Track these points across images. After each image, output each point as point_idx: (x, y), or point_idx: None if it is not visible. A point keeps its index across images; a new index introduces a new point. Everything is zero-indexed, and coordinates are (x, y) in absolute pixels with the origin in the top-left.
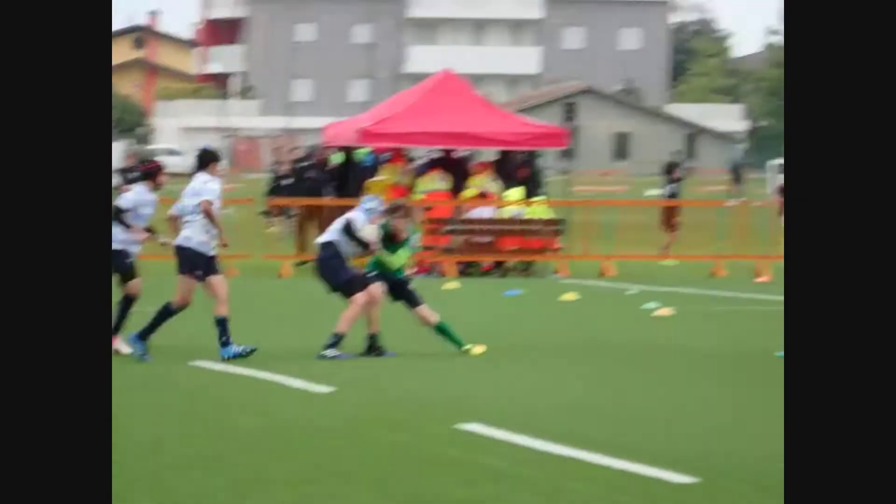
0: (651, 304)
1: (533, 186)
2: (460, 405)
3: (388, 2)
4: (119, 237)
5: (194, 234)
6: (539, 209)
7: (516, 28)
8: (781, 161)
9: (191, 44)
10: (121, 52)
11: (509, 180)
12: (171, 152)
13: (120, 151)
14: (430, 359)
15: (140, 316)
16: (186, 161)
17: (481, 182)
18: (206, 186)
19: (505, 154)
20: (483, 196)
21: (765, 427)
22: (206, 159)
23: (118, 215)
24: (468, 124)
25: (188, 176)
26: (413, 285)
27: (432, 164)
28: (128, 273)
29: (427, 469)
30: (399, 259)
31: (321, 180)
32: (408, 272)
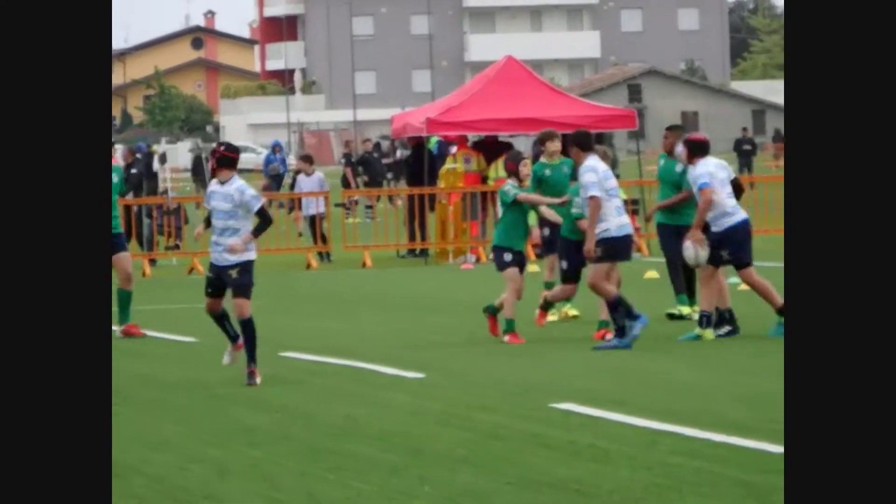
0: (734, 280)
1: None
2: (553, 386)
3: None
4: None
5: None
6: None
7: (573, 13)
8: None
9: (249, 42)
10: (181, 53)
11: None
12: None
13: (188, 150)
14: (515, 344)
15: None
16: (259, 157)
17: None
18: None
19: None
20: None
21: None
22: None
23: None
24: (535, 109)
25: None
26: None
27: (474, 148)
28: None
29: (526, 449)
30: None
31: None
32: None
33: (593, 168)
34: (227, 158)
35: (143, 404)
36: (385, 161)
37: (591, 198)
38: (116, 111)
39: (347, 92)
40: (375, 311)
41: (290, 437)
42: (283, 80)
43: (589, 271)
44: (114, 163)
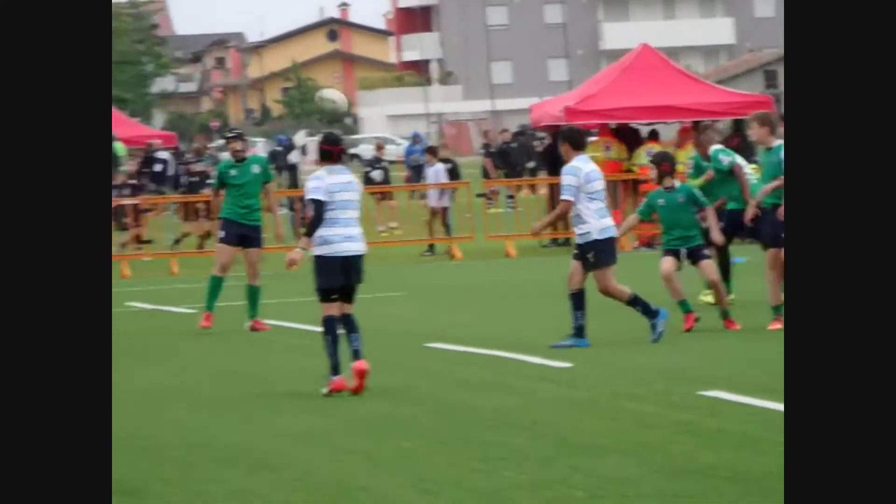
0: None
1: (746, 155)
2: (700, 374)
3: None
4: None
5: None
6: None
7: (706, 0)
8: None
9: (383, 33)
10: (316, 46)
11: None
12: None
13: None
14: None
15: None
16: (399, 149)
17: (687, 153)
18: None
19: (695, 124)
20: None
21: None
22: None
23: None
24: (671, 97)
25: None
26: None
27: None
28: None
29: (675, 437)
30: None
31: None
32: (634, 244)
33: (575, 170)
34: (324, 152)
35: (293, 398)
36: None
37: (563, 201)
38: (255, 104)
39: (484, 82)
40: (519, 301)
41: (439, 427)
42: (418, 71)
43: (595, 279)
44: (255, 153)
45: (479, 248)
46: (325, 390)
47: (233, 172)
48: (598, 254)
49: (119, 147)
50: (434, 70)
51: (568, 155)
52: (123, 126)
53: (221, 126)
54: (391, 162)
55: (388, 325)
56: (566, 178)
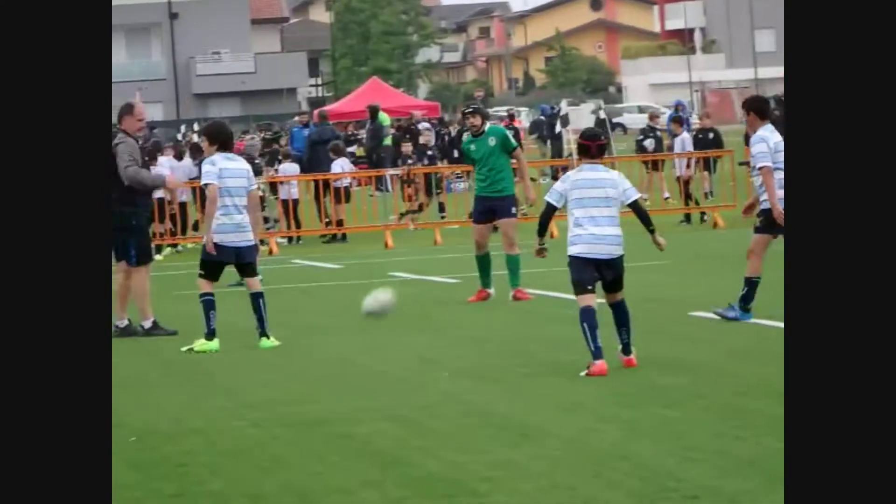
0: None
1: None
2: None
3: None
4: None
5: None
6: None
7: None
8: None
9: (647, 2)
10: (580, 15)
11: None
12: (641, 110)
13: (589, 112)
14: None
15: None
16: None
17: None
18: None
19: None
20: None
21: None
22: None
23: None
24: None
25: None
26: None
27: None
28: None
29: None
30: None
31: None
32: None
33: (765, 139)
34: (582, 147)
35: (555, 367)
36: None
37: (763, 167)
38: (519, 73)
39: (747, 50)
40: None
41: (703, 395)
42: (682, 40)
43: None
44: (503, 125)
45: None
46: (584, 373)
47: (472, 147)
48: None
49: (383, 117)
50: (697, 38)
51: (754, 125)
52: (388, 96)
53: (486, 96)
54: (661, 130)
55: (652, 294)
56: (758, 146)
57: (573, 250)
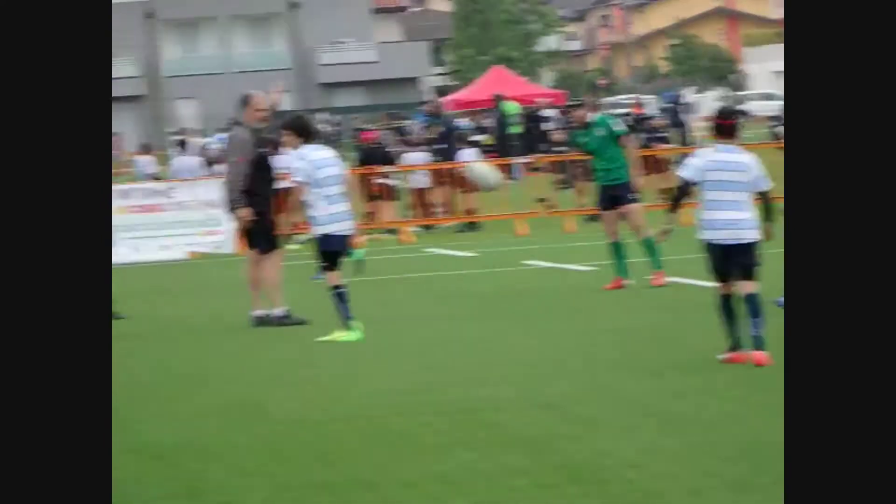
0: None
1: None
2: None
3: None
4: None
5: None
6: None
7: None
8: None
9: None
10: (700, 2)
11: None
12: (767, 97)
13: (715, 100)
14: None
15: None
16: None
17: None
18: None
19: None
20: None
21: None
22: None
23: None
24: None
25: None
26: None
27: None
28: None
29: None
30: None
31: None
32: None
33: None
34: (718, 126)
35: (700, 355)
36: None
37: None
38: (641, 62)
39: None
40: None
41: None
42: None
43: None
44: (634, 112)
45: None
46: (721, 356)
47: (584, 139)
48: None
49: (511, 105)
50: None
51: None
52: (513, 85)
53: (609, 84)
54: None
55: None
56: None
57: (705, 235)
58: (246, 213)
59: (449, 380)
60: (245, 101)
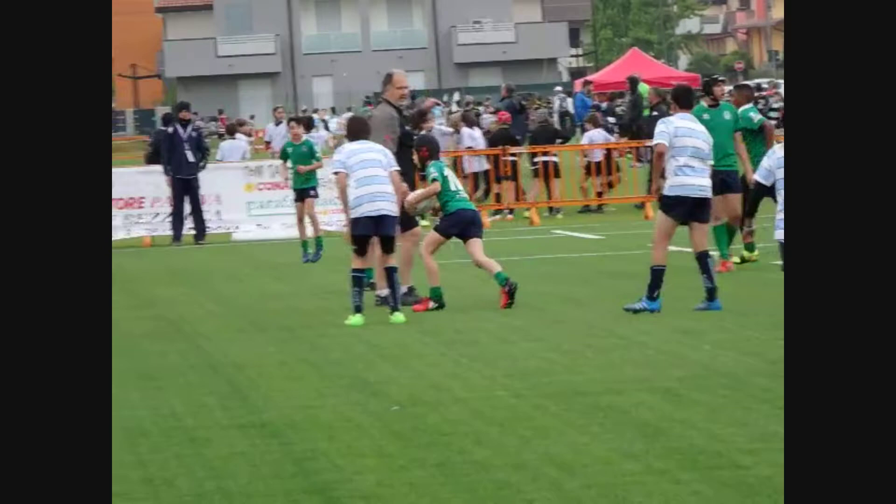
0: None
1: None
2: None
3: None
4: None
5: None
6: None
7: None
8: None
9: None
10: None
11: None
12: None
13: None
14: None
15: None
16: None
17: None
18: None
19: None
20: None
21: None
22: None
23: None
24: None
25: None
26: None
27: None
28: None
29: None
30: None
31: None
32: None
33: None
34: None
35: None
36: None
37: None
38: (779, 45)
39: None
40: None
41: None
42: None
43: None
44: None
45: None
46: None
47: (706, 116)
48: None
49: (644, 88)
50: None
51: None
52: (648, 67)
53: (746, 68)
54: None
55: None
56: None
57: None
58: (408, 191)
59: (565, 362)
60: (387, 80)
